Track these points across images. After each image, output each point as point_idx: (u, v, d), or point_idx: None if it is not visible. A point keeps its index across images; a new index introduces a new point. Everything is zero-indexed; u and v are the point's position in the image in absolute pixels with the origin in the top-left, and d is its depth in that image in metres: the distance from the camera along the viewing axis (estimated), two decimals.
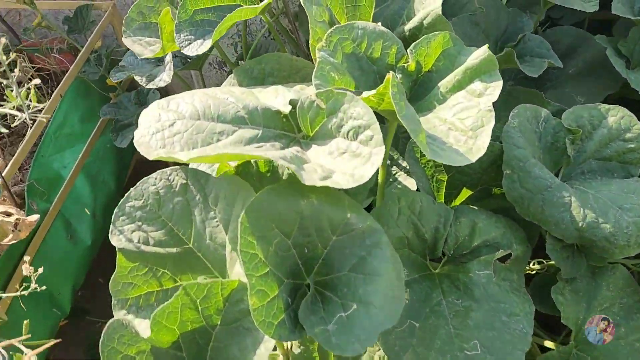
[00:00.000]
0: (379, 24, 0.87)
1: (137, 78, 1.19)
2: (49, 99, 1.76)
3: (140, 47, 1.11)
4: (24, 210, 1.38)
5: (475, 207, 0.92)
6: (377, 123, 0.65)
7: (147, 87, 1.17)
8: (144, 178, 0.74)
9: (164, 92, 1.76)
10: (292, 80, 0.92)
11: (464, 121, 0.74)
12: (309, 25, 0.81)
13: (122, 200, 0.73)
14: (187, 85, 1.36)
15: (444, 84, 0.79)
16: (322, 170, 0.64)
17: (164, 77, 1.15)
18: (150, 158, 0.65)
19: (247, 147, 0.64)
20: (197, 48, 0.89)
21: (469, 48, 0.83)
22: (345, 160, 0.66)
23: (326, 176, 0.63)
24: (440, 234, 0.87)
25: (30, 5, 1.65)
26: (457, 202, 1.00)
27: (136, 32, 1.14)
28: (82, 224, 1.53)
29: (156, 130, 0.70)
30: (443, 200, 1.00)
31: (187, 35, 0.91)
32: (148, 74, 1.20)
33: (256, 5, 0.87)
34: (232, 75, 0.92)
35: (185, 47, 0.90)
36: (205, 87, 1.42)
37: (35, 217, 1.07)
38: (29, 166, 1.53)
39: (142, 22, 1.15)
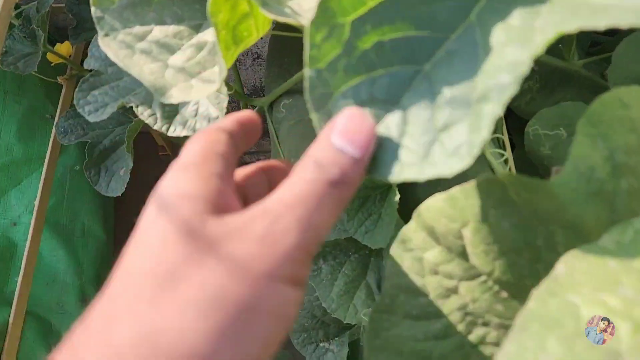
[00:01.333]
0: None
1: (148, 119, 0.54)
2: None
3: (155, 62, 0.45)
4: None
5: None
6: None
7: (173, 135, 0.53)
8: None
9: None
10: None
11: None
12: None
13: None
14: None
15: None
16: None
17: (210, 112, 0.52)
18: None
19: None
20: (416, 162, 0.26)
21: None
22: None
23: None
24: None
25: None
26: None
27: (128, 18, 0.48)
28: (67, 317, 0.94)
29: None
30: None
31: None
32: (164, 104, 0.55)
33: None
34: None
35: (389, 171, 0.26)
36: (241, 82, 0.76)
37: None
38: None
39: None
